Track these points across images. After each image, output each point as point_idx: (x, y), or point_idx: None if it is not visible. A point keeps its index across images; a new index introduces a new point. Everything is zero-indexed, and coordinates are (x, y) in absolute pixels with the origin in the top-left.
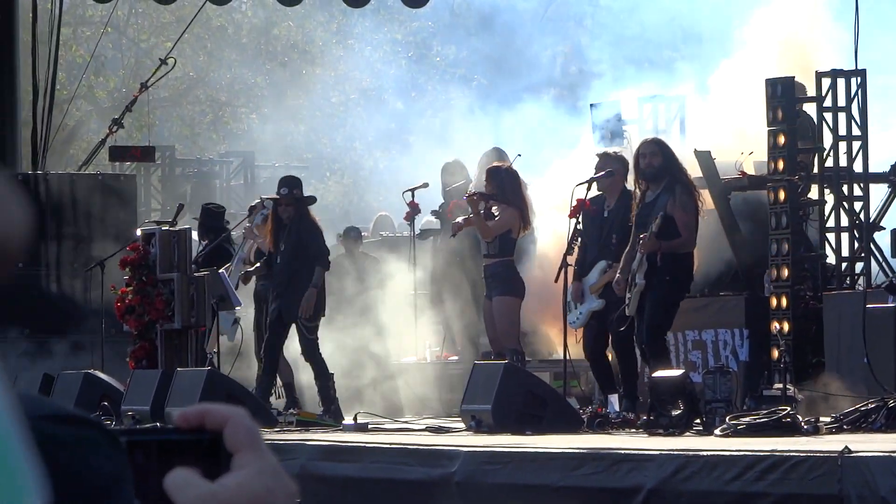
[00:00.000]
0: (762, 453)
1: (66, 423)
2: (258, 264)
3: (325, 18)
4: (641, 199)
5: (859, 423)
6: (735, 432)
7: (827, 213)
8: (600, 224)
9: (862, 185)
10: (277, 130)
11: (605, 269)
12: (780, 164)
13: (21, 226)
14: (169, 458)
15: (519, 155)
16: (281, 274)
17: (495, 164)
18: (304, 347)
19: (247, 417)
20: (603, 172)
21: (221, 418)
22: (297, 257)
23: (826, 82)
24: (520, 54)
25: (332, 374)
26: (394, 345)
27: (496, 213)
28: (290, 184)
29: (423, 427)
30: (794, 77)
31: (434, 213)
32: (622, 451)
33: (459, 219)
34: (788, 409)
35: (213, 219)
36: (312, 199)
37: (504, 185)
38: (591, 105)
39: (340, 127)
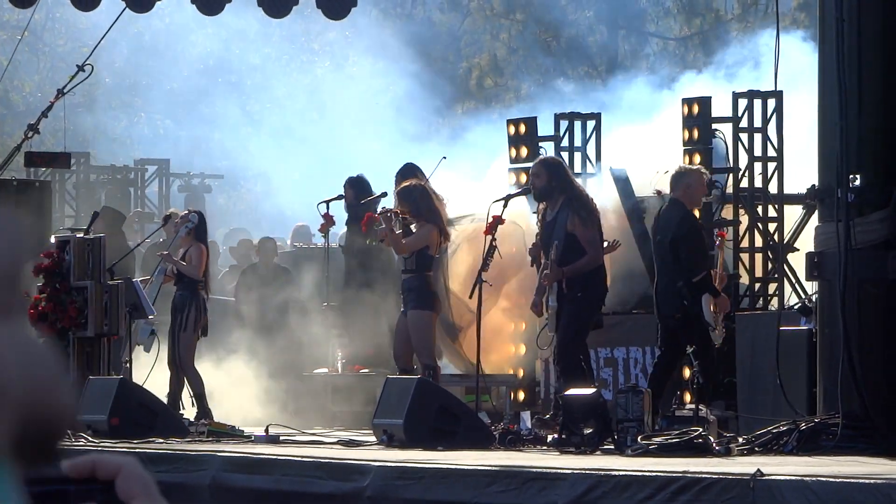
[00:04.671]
0: (674, 474)
1: None
2: None
3: (242, 27)
4: (543, 218)
5: (771, 446)
6: (647, 452)
7: (741, 233)
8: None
9: (777, 206)
10: (192, 137)
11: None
12: None
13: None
14: None
15: (444, 158)
16: None
17: (405, 183)
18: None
19: (138, 466)
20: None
21: (113, 468)
22: None
23: (742, 103)
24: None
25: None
26: (305, 356)
27: (414, 230)
28: None
29: (335, 440)
30: (710, 97)
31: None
32: (534, 470)
33: (380, 229)
34: (700, 429)
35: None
36: None
37: (418, 202)
38: (508, 120)
39: (255, 136)
